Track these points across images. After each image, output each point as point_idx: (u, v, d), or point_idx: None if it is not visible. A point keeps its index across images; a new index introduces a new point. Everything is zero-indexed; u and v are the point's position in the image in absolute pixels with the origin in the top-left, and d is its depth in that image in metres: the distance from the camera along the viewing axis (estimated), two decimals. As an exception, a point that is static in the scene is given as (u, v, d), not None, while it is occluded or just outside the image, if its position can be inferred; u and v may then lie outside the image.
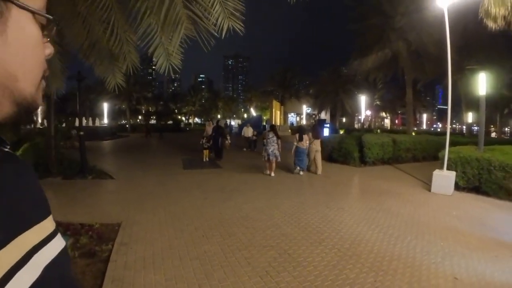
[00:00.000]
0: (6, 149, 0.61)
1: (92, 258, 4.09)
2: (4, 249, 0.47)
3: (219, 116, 68.29)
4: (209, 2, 3.33)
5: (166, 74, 4.06)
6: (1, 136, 0.60)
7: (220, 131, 14.27)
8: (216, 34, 3.45)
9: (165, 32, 3.44)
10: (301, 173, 10.48)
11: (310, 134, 11.02)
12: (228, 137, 16.49)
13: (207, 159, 13.38)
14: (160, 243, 4.55)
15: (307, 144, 10.64)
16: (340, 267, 3.90)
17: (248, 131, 18.84)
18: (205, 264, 3.90)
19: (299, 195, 7.72)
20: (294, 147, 10.53)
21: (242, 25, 3.55)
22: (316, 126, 12.84)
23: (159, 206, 6.38)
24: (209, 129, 14.78)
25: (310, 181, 9.60)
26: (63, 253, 0.62)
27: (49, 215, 0.63)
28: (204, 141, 13.59)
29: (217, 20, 3.44)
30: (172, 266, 3.84)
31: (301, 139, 10.46)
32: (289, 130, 30.69)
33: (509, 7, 8.35)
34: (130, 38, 4.45)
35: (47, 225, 0.61)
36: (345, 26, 26.72)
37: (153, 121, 60.40)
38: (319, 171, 10.68)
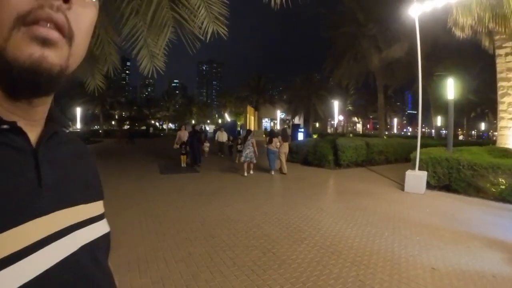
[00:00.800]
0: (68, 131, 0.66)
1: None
2: (46, 217, 0.50)
3: (193, 122, 67.62)
4: (195, 5, 3.39)
5: (149, 76, 4.07)
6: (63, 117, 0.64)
7: (197, 136, 13.99)
8: (201, 37, 3.51)
9: (151, 33, 3.45)
10: (273, 172, 11.20)
11: (280, 137, 11.72)
12: (208, 144, 16.56)
13: (184, 164, 13.08)
14: (143, 246, 4.50)
15: (278, 146, 11.32)
16: (323, 263, 4.02)
17: (223, 136, 18.40)
18: (191, 266, 3.90)
19: (278, 196, 7.86)
20: (266, 149, 11.46)
21: (226, 29, 3.63)
22: (284, 130, 13.55)
23: (139, 210, 6.29)
24: (183, 134, 13.83)
25: (287, 183, 9.75)
26: (104, 238, 0.64)
27: (99, 200, 0.67)
28: (177, 146, 13.35)
29: (202, 23, 3.50)
30: (157, 268, 3.81)
31: (270, 141, 11.32)
32: (264, 135, 30.93)
33: (476, 18, 8.92)
34: (111, 40, 4.42)
35: (95, 207, 0.64)
36: (318, 33, 27.44)
37: (126, 126, 59.04)
38: (285, 170, 11.32)
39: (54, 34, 0.46)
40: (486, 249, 4.60)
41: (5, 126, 0.49)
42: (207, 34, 3.53)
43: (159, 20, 3.35)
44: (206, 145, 15.76)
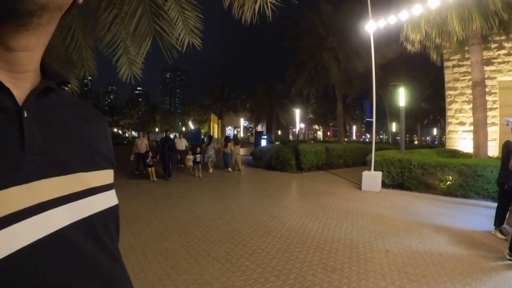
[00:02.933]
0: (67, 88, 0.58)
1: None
2: (27, 185, 0.44)
3: (157, 130, 66.33)
4: (173, 18, 3.76)
5: (127, 82, 4.33)
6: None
7: (169, 143, 12.13)
8: (178, 48, 3.88)
9: (133, 42, 3.76)
10: (230, 169, 13.95)
11: (233, 142, 14.49)
12: (191, 156, 12.82)
13: (154, 178, 11.07)
14: (120, 243, 4.63)
15: (231, 149, 14.18)
16: (290, 251, 4.47)
17: (181, 144, 15.14)
18: (169, 259, 4.18)
19: (244, 197, 8.29)
20: (222, 151, 14.42)
21: (200, 41, 4.03)
22: (235, 136, 17.43)
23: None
24: (142, 143, 12.52)
25: (252, 186, 10.21)
26: (110, 213, 0.58)
27: (106, 168, 0.60)
28: (133, 158, 12.12)
29: (179, 35, 3.87)
30: (138, 262, 4.05)
31: (226, 145, 14.34)
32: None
33: (424, 34, 9.93)
34: (89, 45, 4.64)
35: (99, 176, 0.57)
36: (281, 43, 28.38)
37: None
38: (240, 167, 14.12)
39: None
40: (434, 234, 5.29)
41: None
42: (183, 45, 3.91)
43: (141, 30, 3.67)
44: (189, 158, 12.70)
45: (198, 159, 12.24)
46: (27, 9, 0.42)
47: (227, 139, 14.94)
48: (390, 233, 5.33)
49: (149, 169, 11.22)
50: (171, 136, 13.92)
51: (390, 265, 4.04)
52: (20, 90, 0.47)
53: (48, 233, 0.44)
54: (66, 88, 0.57)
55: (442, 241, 4.94)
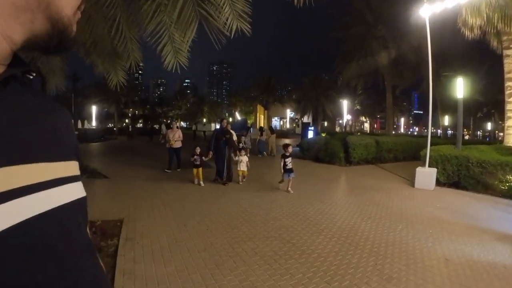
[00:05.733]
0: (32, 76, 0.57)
1: (99, 253, 4.11)
2: (9, 168, 0.43)
3: (204, 120, 67.72)
4: (220, 1, 3.51)
5: (173, 71, 4.19)
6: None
7: (227, 137, 8.80)
8: (227, 33, 3.63)
9: (178, 29, 3.59)
10: (264, 154, 15.92)
11: (269, 131, 16.90)
12: (245, 157, 8.97)
13: (201, 182, 8.29)
14: (165, 237, 4.64)
15: (266, 138, 16.51)
16: (342, 254, 4.13)
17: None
18: (213, 255, 4.03)
19: (293, 191, 7.93)
20: (257, 139, 16.64)
21: (249, 26, 3.76)
22: (270, 127, 18.88)
23: (158, 203, 6.46)
24: (174, 135, 10.60)
25: (300, 179, 9.75)
26: (77, 205, 0.56)
27: (71, 160, 0.58)
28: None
29: (227, 20, 3.63)
30: (181, 258, 3.93)
31: (261, 134, 16.78)
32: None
33: (485, 18, 8.96)
34: (134, 36, 4.57)
35: (65, 167, 0.55)
36: (328, 33, 27.46)
37: (140, 125, 59.87)
38: (274, 153, 15.92)
39: None
40: (497, 243, 4.69)
41: None
42: (232, 31, 3.66)
43: (186, 16, 3.49)
44: (243, 158, 8.77)
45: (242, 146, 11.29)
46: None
47: (261, 129, 17.68)
48: (449, 239, 4.80)
49: (194, 169, 8.42)
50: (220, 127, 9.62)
51: (450, 276, 3.59)
52: None
53: (9, 225, 0.41)
54: (31, 77, 0.56)
55: (505, 251, 4.36)
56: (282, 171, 7.77)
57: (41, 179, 0.48)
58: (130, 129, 37.29)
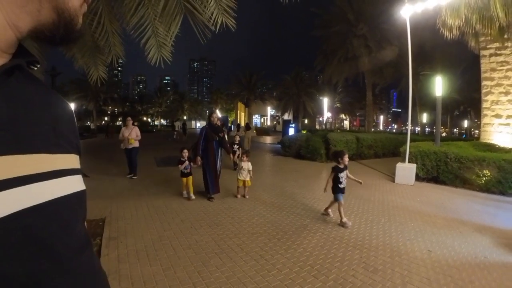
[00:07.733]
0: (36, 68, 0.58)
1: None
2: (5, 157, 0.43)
3: (185, 118, 66.81)
4: (205, -4, 3.47)
5: (156, 65, 4.12)
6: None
7: (220, 137, 6.80)
8: (212, 27, 3.59)
9: (162, 23, 3.52)
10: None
11: (244, 127, 18.19)
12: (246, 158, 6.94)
13: (192, 195, 6.62)
14: (149, 235, 4.56)
15: (243, 133, 17.00)
16: (327, 248, 4.18)
17: None
18: (199, 253, 3.98)
19: (276, 188, 7.96)
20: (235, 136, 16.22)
21: (234, 21, 3.73)
22: (247, 124, 19.90)
23: (141, 201, 6.33)
24: (130, 134, 8.89)
25: (283, 175, 9.87)
26: (76, 197, 0.55)
27: (71, 153, 0.58)
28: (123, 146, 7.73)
29: (212, 14, 3.58)
30: (167, 256, 3.87)
31: (238, 130, 18.13)
32: (254, 131, 30.97)
33: (463, 19, 9.23)
34: (116, 30, 4.45)
35: (64, 159, 0.54)
36: (309, 32, 27.62)
37: (119, 123, 58.40)
38: (248, 147, 15.81)
39: None
40: (476, 234, 4.87)
41: None
42: (217, 25, 3.62)
43: (171, 9, 3.42)
44: (247, 164, 6.79)
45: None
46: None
47: (238, 126, 20.05)
48: (431, 231, 4.95)
49: (183, 179, 6.71)
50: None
51: (434, 267, 3.70)
52: None
53: (3, 215, 0.41)
54: (35, 68, 0.56)
55: (485, 242, 4.55)
56: (329, 189, 5.45)
57: (40, 170, 0.48)
58: (108, 127, 36.25)
